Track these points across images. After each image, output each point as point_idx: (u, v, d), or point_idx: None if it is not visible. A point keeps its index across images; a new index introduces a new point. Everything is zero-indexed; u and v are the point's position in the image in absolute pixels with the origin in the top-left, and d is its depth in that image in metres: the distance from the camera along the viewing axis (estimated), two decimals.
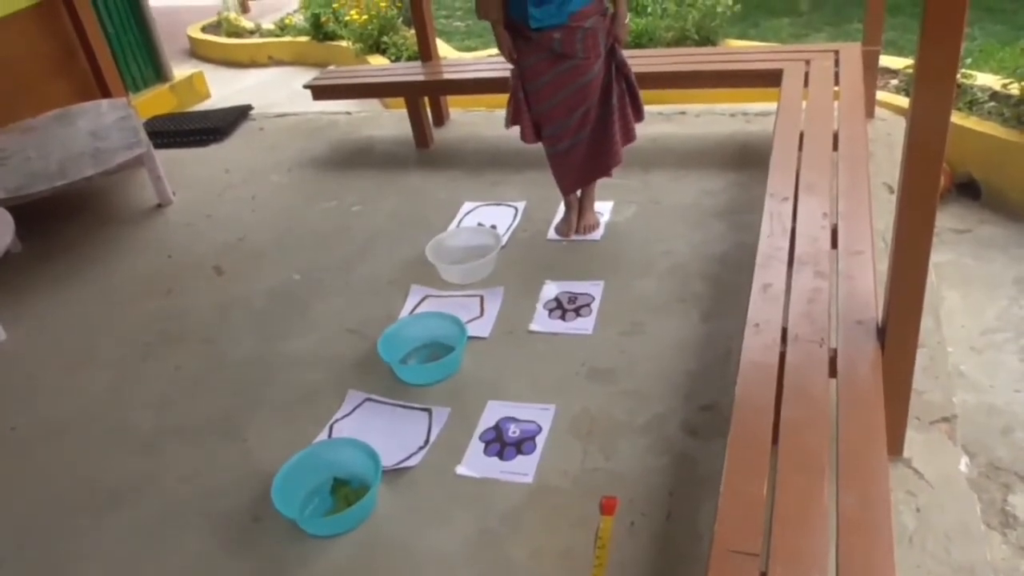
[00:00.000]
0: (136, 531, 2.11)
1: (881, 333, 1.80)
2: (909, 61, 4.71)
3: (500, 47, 2.88)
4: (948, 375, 2.32)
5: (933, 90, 1.47)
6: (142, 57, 5.95)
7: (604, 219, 3.23)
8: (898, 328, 1.75)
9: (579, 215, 3.16)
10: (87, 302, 3.25)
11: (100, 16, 5.20)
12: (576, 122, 2.88)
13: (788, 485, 1.46)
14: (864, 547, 1.33)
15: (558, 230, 3.20)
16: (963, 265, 3.43)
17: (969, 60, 4.49)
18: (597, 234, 3.15)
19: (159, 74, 6.13)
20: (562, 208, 3.23)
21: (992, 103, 3.99)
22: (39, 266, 3.55)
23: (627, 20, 2.87)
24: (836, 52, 3.56)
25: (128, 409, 2.59)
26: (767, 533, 1.38)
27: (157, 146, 4.08)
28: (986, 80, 4.19)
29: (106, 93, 4.82)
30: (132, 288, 3.30)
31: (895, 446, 1.97)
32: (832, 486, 1.46)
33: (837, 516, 1.39)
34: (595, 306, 2.71)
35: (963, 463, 2.04)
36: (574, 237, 3.14)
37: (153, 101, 5.79)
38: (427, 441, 2.24)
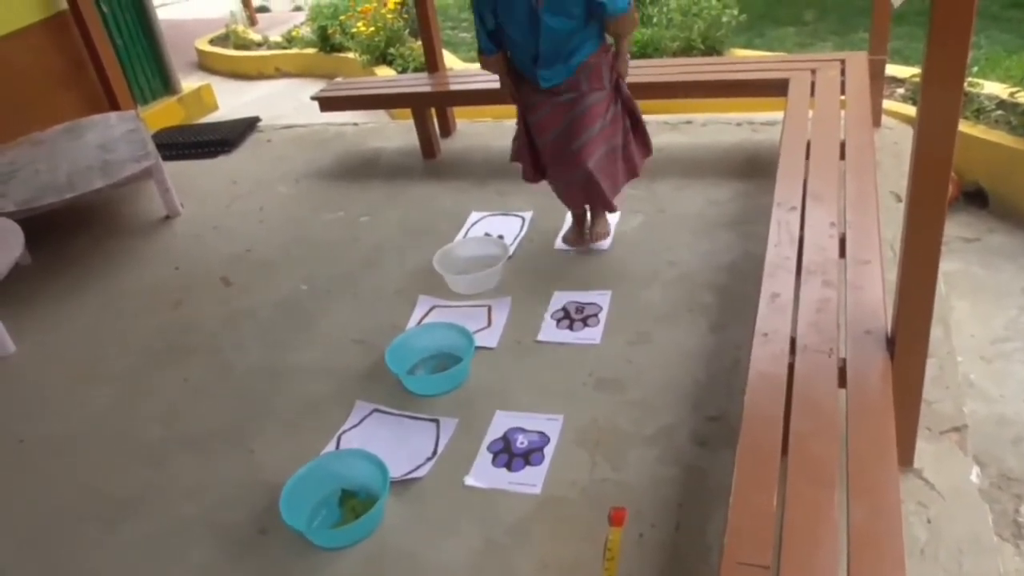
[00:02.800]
0: (142, 543, 2.11)
1: (890, 343, 1.79)
2: (915, 70, 4.70)
3: (502, 88, 2.92)
4: (958, 385, 2.30)
5: (940, 98, 1.47)
6: (151, 70, 5.99)
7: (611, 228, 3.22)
8: (907, 338, 1.75)
9: (592, 222, 3.14)
10: (95, 314, 3.26)
11: (109, 29, 5.25)
12: (576, 153, 2.78)
13: (798, 496, 1.45)
14: (875, 559, 1.32)
15: (565, 239, 3.19)
16: (972, 274, 3.41)
17: (976, 69, 4.49)
18: (605, 243, 3.14)
19: (167, 86, 6.17)
20: (569, 217, 3.23)
21: (999, 111, 3.98)
22: (48, 278, 3.56)
23: (628, 57, 2.84)
24: (842, 61, 3.56)
25: (135, 420, 2.59)
26: (777, 545, 1.37)
27: (165, 158, 4.10)
28: (993, 89, 4.18)
29: (115, 106, 4.85)
30: (140, 300, 3.31)
31: (905, 457, 1.95)
32: (842, 497, 1.45)
33: (847, 528, 1.38)
34: (602, 316, 2.71)
35: (974, 474, 2.02)
36: (588, 246, 3.13)
37: (162, 113, 5.83)
38: (435, 452, 2.24)
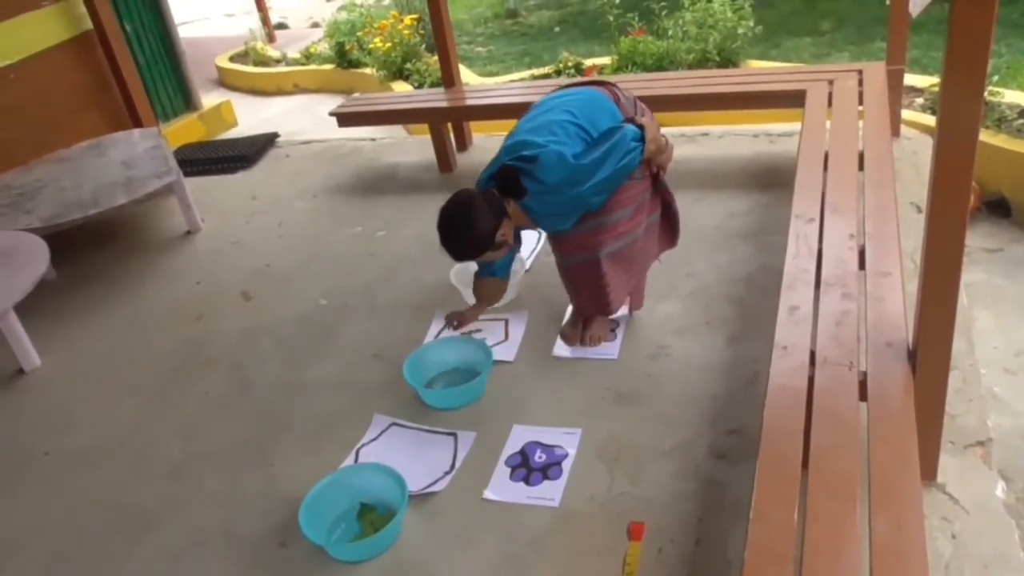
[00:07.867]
0: (164, 556, 2.13)
1: (912, 355, 1.77)
2: (934, 79, 4.66)
3: (459, 312, 2.74)
4: (982, 398, 2.27)
5: (960, 108, 1.46)
6: (172, 87, 6.08)
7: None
8: (929, 350, 1.73)
9: (586, 323, 2.67)
10: (119, 328, 3.30)
11: (132, 48, 5.33)
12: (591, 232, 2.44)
13: (819, 511, 1.44)
14: (898, 575, 1.30)
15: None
16: (995, 285, 3.36)
17: (996, 77, 4.45)
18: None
19: (188, 103, 6.25)
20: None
21: (1021, 120, 3.93)
22: (73, 293, 3.62)
23: (662, 142, 2.42)
24: (860, 71, 3.54)
25: (157, 434, 2.62)
26: (798, 561, 1.36)
27: (186, 174, 4.15)
28: (1014, 97, 4.14)
29: (138, 123, 4.93)
30: (162, 314, 3.35)
31: (928, 471, 1.93)
32: (864, 512, 1.43)
33: (870, 543, 1.36)
34: (620, 330, 2.70)
35: (999, 488, 1.99)
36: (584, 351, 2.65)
37: (183, 130, 5.91)
38: (453, 466, 2.24)
